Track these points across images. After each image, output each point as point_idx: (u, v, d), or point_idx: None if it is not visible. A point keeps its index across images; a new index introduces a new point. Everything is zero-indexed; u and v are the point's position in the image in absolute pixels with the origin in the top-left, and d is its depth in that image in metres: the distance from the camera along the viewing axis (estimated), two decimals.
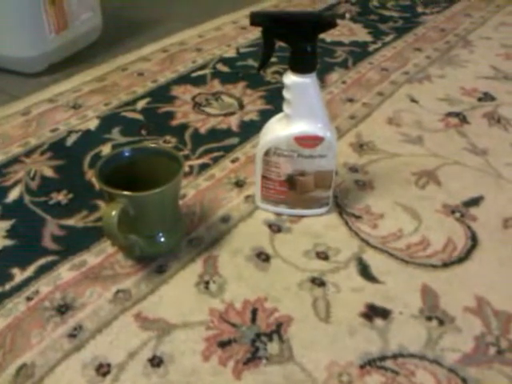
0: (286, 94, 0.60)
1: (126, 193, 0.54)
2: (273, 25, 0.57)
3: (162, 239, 0.60)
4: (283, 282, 0.59)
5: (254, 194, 0.69)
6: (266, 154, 0.63)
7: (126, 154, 0.61)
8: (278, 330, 0.53)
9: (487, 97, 0.94)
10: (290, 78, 0.59)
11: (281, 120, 0.63)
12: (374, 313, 0.55)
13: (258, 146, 0.64)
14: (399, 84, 0.98)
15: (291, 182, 0.65)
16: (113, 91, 0.97)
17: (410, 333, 0.53)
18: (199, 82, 0.99)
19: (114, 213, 0.53)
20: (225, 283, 0.58)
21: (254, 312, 0.55)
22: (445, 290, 0.58)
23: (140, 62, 1.07)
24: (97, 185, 0.55)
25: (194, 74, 1.02)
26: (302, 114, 0.61)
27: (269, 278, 0.59)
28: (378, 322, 0.54)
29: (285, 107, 0.61)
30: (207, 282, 0.58)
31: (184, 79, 1.00)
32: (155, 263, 0.60)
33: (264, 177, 0.65)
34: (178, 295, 0.57)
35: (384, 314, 0.55)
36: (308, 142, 0.61)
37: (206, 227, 0.66)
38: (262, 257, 0.62)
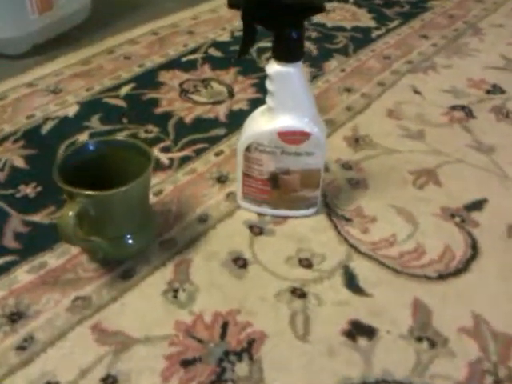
0: (268, 85, 0.54)
1: (85, 192, 0.49)
2: (253, 7, 0.51)
3: (130, 241, 0.54)
4: (260, 291, 0.53)
5: (236, 191, 0.63)
6: (247, 149, 0.57)
7: (91, 147, 0.55)
8: (248, 348, 0.48)
9: (496, 89, 0.87)
10: (273, 68, 0.53)
11: (264, 113, 0.57)
12: (358, 331, 0.50)
13: (239, 140, 0.58)
14: (402, 73, 0.92)
15: (274, 180, 0.59)
16: (97, 75, 0.91)
17: (396, 356, 0.47)
18: (189, 67, 0.93)
19: (70, 213, 0.48)
20: (196, 292, 0.53)
21: (225, 326, 0.50)
22: (439, 306, 0.52)
23: (128, 44, 1.01)
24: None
25: (184, 59, 0.96)
26: (286, 107, 0.55)
27: (244, 286, 0.54)
28: (362, 341, 0.49)
29: (268, 99, 0.55)
30: (176, 290, 0.53)
31: (173, 64, 0.94)
32: (121, 267, 0.55)
33: (245, 174, 0.60)
34: (143, 304, 0.52)
35: (369, 332, 0.49)
36: (293, 137, 0.55)
37: (181, 227, 0.60)
38: (240, 262, 0.56)
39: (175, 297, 0.52)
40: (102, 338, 0.48)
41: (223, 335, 0.49)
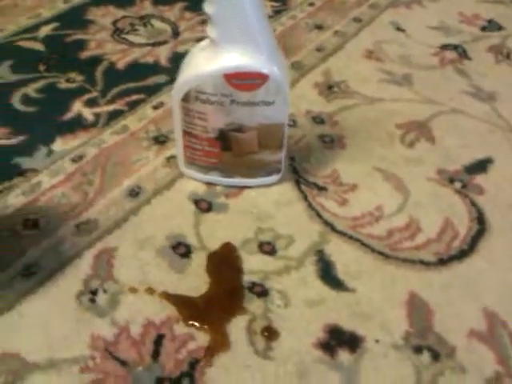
0: (208, 7, 0.39)
1: None
2: None
3: None
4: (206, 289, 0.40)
5: (177, 155, 0.49)
6: (185, 99, 0.43)
7: None
8: (191, 373, 0.35)
9: (493, 25, 0.74)
10: None
11: (205, 49, 0.42)
12: (337, 341, 0.37)
13: (174, 87, 0.43)
14: (382, 8, 0.77)
15: (225, 139, 0.45)
16: (11, 14, 0.74)
17: (389, 374, 0.35)
18: (125, 2, 0.77)
19: None
20: (120, 293, 0.39)
21: (159, 341, 0.37)
22: (441, 303, 0.40)
23: None
24: None
25: None
26: (234, 40, 0.40)
27: (186, 283, 0.40)
28: (343, 356, 0.36)
29: (208, 29, 0.41)
30: (94, 292, 0.39)
31: None
32: (21, 260, 0.41)
33: (186, 132, 0.45)
34: (48, 313, 0.38)
35: (352, 342, 0.37)
36: (245, 81, 0.41)
37: (104, 205, 0.46)
38: (181, 250, 0.43)
39: (92, 301, 0.39)
40: None
41: (156, 354, 0.36)
